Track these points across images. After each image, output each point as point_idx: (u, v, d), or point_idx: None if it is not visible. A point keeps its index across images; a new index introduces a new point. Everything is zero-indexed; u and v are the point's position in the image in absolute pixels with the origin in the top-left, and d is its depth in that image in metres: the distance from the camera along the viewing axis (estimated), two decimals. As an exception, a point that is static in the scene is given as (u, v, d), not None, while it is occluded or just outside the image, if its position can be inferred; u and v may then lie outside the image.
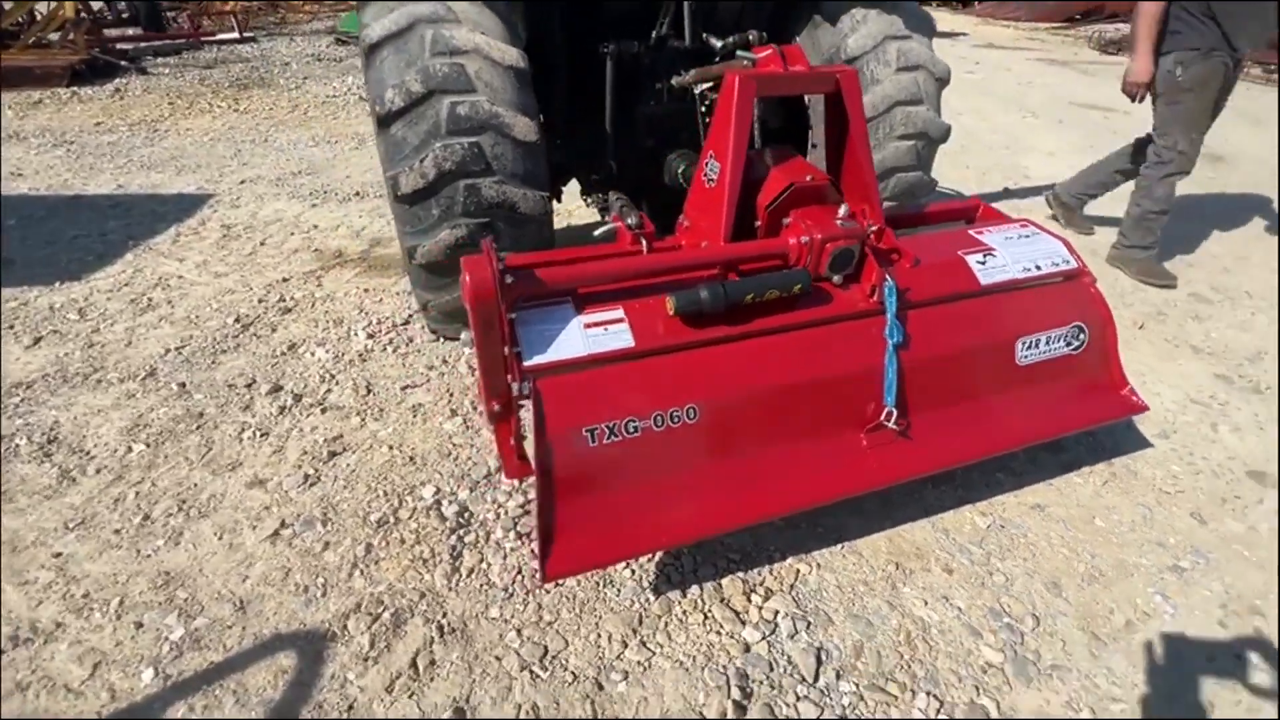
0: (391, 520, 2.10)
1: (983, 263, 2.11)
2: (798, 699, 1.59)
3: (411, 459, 2.37)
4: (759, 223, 2.01)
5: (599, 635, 1.75)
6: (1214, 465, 2.41)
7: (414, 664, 1.67)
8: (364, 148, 5.91)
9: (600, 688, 1.62)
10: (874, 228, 1.97)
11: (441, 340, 3.06)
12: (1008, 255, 2.15)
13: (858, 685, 1.63)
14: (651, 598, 1.85)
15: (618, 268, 1.81)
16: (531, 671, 1.66)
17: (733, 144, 1.89)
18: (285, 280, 3.64)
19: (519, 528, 2.08)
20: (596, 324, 1.72)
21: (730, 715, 1.54)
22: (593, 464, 1.61)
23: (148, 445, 2.40)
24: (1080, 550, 2.02)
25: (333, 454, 2.39)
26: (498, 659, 1.69)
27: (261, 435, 2.48)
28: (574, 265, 1.79)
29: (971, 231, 2.26)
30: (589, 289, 1.80)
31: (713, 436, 1.72)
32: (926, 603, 1.85)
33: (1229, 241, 4.40)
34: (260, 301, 3.41)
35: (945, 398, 1.96)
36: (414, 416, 2.60)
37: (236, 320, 3.22)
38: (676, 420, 1.67)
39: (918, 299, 1.96)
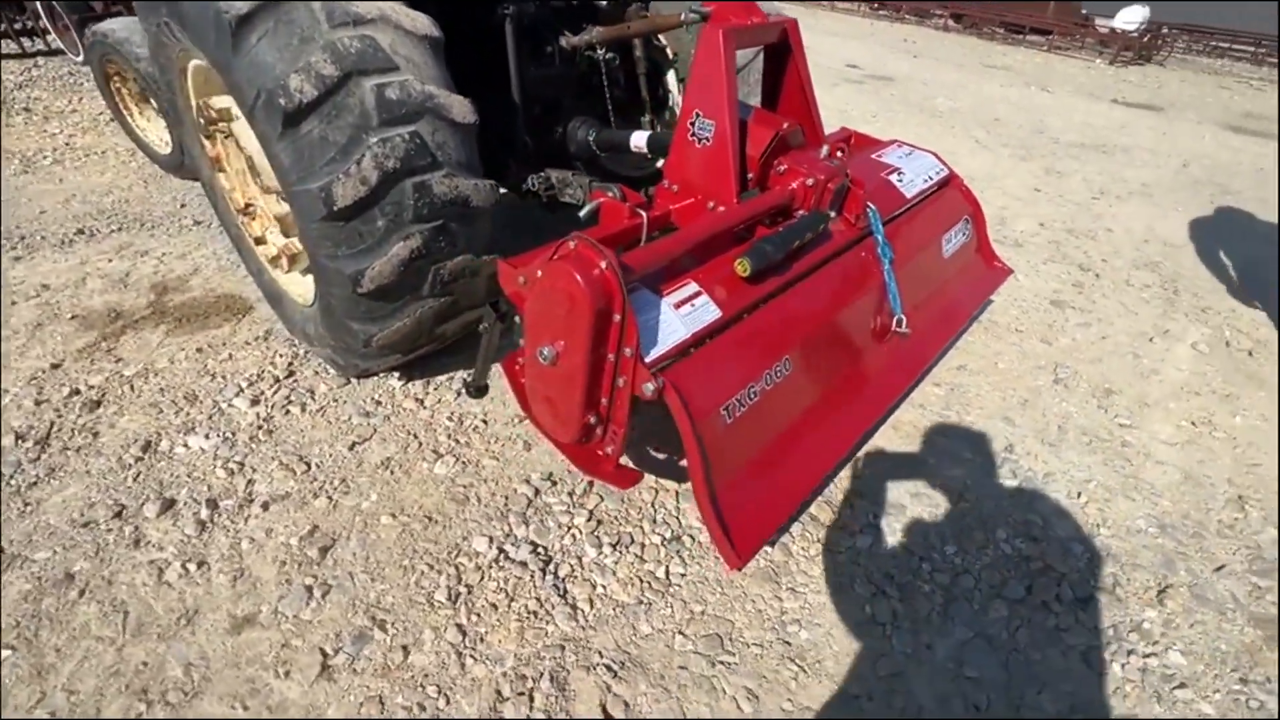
0: (463, 590, 1.78)
1: (900, 180, 2.49)
2: (934, 569, 1.85)
3: (429, 519, 2.00)
4: (751, 174, 2.07)
5: (751, 601, 1.77)
6: (1029, 301, 3.27)
7: (606, 713, 1.51)
8: (35, 170, 4.29)
9: (789, 644, 1.67)
10: (840, 162, 2.18)
11: (355, 381, 2.54)
12: (910, 171, 2.57)
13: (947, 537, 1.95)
14: (770, 550, 1.92)
15: (689, 240, 1.73)
16: (721, 663, 1.62)
17: (727, 99, 1.90)
18: (56, 366, 2.59)
19: (607, 536, 1.93)
20: (682, 302, 1.64)
21: (898, 607, 1.73)
22: (736, 439, 1.58)
23: (16, 648, 1.61)
24: (1003, 388, 2.63)
25: (324, 549, 1.89)
26: (683, 668, 1.61)
27: (197, 565, 1.83)
28: (649, 246, 1.66)
29: (874, 156, 2.63)
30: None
31: (805, 378, 1.81)
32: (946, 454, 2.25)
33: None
34: (38, 404, 2.39)
35: (917, 296, 2.33)
36: (391, 474, 2.16)
37: (19, 439, 2.23)
38: (780, 375, 1.72)
39: (881, 218, 2.25)
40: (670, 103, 3.30)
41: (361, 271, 1.89)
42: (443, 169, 1.92)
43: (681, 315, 1.62)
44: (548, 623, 1.70)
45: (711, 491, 1.51)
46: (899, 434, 2.39)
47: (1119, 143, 6.04)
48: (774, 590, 1.80)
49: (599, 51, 2.60)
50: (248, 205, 2.51)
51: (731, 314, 1.71)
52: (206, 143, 2.44)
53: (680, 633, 1.69)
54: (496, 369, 2.02)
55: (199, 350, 2.70)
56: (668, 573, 1.84)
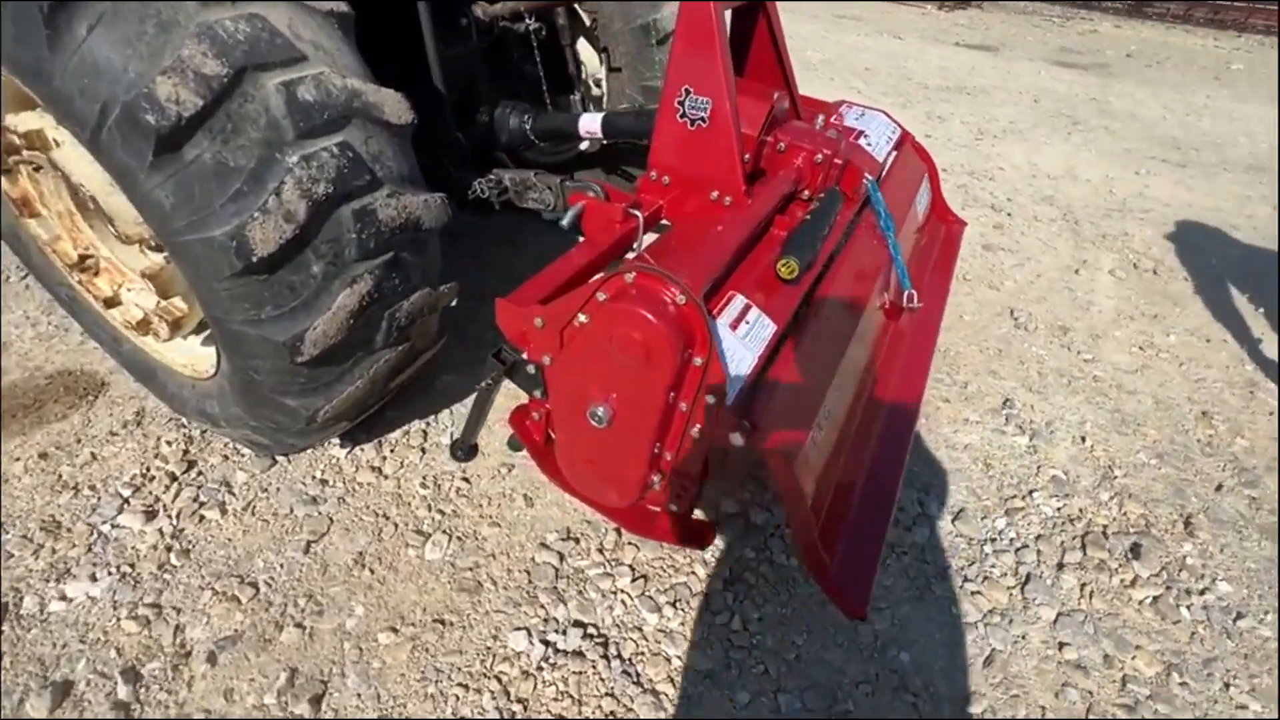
0: (516, 708, 1.44)
1: (869, 145, 2.36)
2: (996, 549, 1.79)
3: (441, 623, 1.61)
4: (747, 155, 1.82)
5: (840, 632, 1.61)
6: (965, 249, 3.35)
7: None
8: None
9: (895, 671, 1.53)
10: (828, 132, 1.99)
11: (284, 459, 2.02)
12: (872, 134, 2.44)
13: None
14: (836, 567, 1.76)
15: (730, 244, 1.45)
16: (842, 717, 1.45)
17: (724, 74, 1.62)
18: None
19: (661, 594, 1.67)
20: (737, 321, 1.38)
21: (980, 600, 1.65)
22: (824, 472, 1.38)
23: None
24: (976, 341, 2.66)
25: (315, 699, 1.45)
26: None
27: (137, 769, 1.33)
28: (695, 258, 1.36)
29: (833, 120, 2.47)
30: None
31: (854, 379, 1.64)
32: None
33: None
34: None
35: (910, 264, 2.23)
36: (371, 573, 1.73)
37: None
38: (838, 384, 1.53)
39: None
40: (584, 76, 2.95)
41: (300, 336, 1.43)
42: (384, 187, 1.48)
43: (740, 338, 1.36)
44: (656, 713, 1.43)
45: (818, 540, 1.30)
46: (906, 408, 2.32)
47: (976, 84, 6.48)
48: (858, 614, 1.64)
49: (528, 21, 2.19)
50: (84, 258, 1.86)
51: (784, 325, 1.48)
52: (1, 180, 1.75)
53: (781, 690, 1.49)
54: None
55: (43, 456, 2.02)
56: (743, 623, 1.62)
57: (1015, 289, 3.10)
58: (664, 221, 1.82)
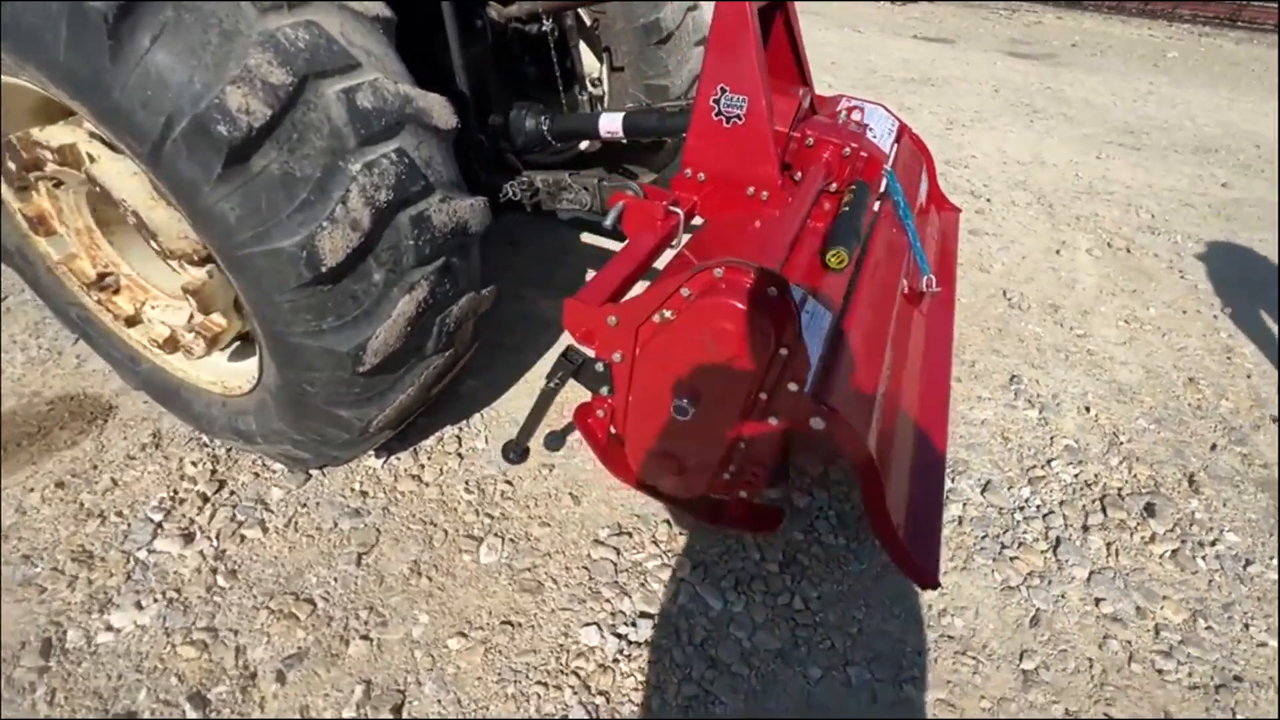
0: (599, 701, 1.47)
1: (875, 138, 2.44)
2: (1026, 517, 1.89)
3: (509, 625, 1.62)
4: (779, 149, 1.87)
5: (896, 604, 1.68)
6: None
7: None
8: None
9: (952, 638, 1.61)
10: (847, 126, 2.06)
11: (318, 474, 1.99)
12: (876, 127, 2.53)
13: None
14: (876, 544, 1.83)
15: (786, 234, 1.50)
16: (906, 681, 1.52)
17: (759, 70, 1.67)
18: None
19: (723, 579, 1.71)
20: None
21: (1019, 565, 1.75)
22: (889, 451, 1.44)
23: None
24: (976, 321, 2.78)
25: (396, 709, 1.44)
26: (874, 700, 1.48)
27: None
28: (761, 250, 1.41)
29: (839, 114, 2.55)
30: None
31: (899, 364, 1.71)
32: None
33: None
34: None
35: (927, 251, 2.33)
36: (429, 581, 1.72)
37: None
38: (890, 366, 1.60)
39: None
40: (579, 74, 2.96)
41: (363, 345, 1.42)
42: (436, 192, 1.48)
43: (805, 327, 1.41)
44: (713, 704, 1.47)
45: (891, 517, 1.36)
46: (922, 388, 2.42)
47: (938, 75, 6.71)
48: (909, 584, 1.72)
49: (546, 22, 2.19)
50: (103, 276, 1.79)
51: (838, 312, 1.54)
52: (12, 197, 1.67)
53: (850, 663, 1.55)
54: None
55: (59, 485, 1.94)
56: (805, 602, 1.68)
57: (1004, 271, 3.25)
58: (696, 219, 1.87)
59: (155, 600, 1.65)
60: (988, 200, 3.97)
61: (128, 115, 1.16)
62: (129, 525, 1.83)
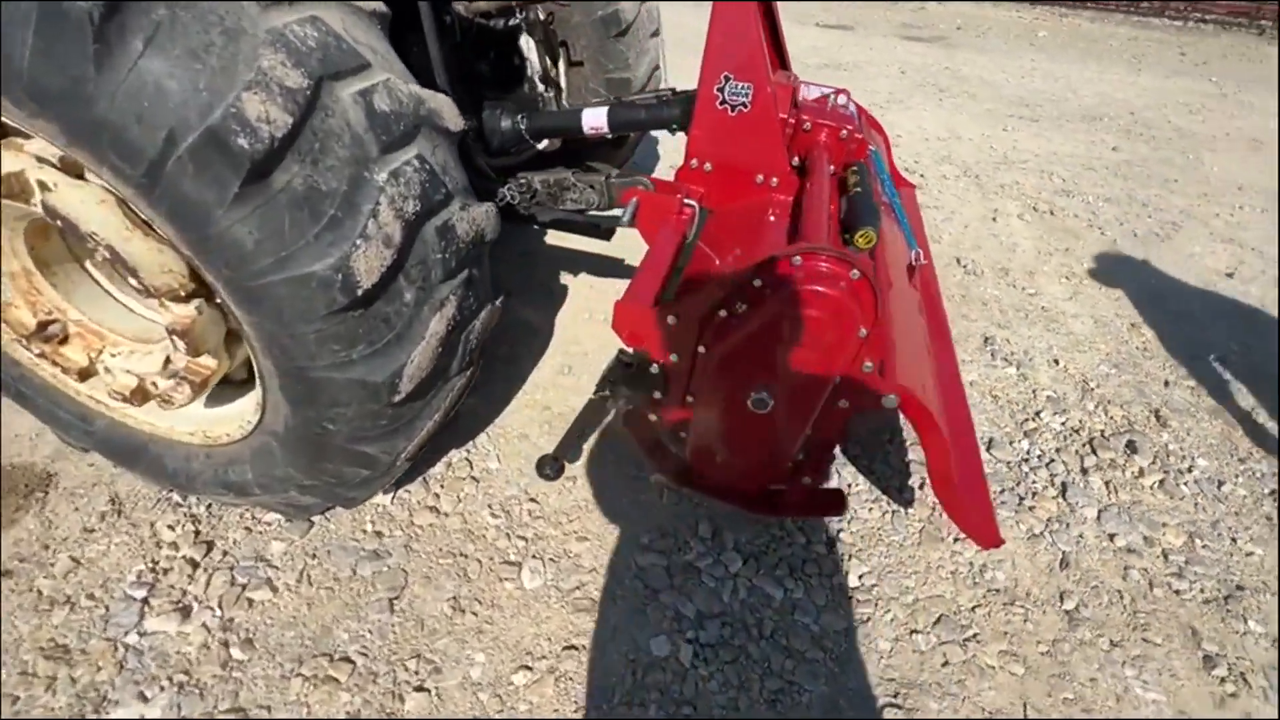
0: (684, 706, 1.42)
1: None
2: (1031, 468, 2.01)
3: (573, 648, 1.54)
4: (777, 135, 1.87)
5: (940, 566, 1.74)
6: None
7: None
8: None
9: (998, 590, 1.69)
10: (830, 108, 2.10)
11: (318, 519, 1.81)
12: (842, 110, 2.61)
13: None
14: (912, 510, 1.89)
15: (820, 215, 1.50)
16: (969, 641, 1.57)
17: (764, 57, 1.66)
18: None
19: (776, 569, 1.70)
20: (844, 293, 1.44)
21: (1039, 513, 1.86)
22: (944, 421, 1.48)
23: None
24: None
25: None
26: (946, 663, 1.53)
27: None
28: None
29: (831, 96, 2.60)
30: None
31: (922, 336, 1.76)
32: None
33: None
34: None
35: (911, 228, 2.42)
36: (475, 617, 1.61)
37: None
38: (919, 338, 1.64)
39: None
40: (530, 73, 2.87)
41: (398, 372, 1.30)
42: (455, 199, 1.38)
43: (855, 306, 1.42)
44: (799, 693, 1.46)
45: (954, 482, 1.40)
46: (910, 358, 2.52)
47: (847, 60, 7.02)
48: (948, 547, 1.79)
49: (519, 16, 2.09)
50: (46, 324, 1.53)
51: (883, 290, 1.56)
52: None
53: (915, 631, 1.59)
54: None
55: (6, 574, 1.66)
56: (858, 579, 1.71)
57: (953, 240, 3.44)
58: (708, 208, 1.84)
59: (162, 688, 1.44)
60: (921, 175, 4.20)
61: (116, 131, 0.99)
62: (107, 608, 1.59)
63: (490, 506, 1.88)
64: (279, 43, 1.04)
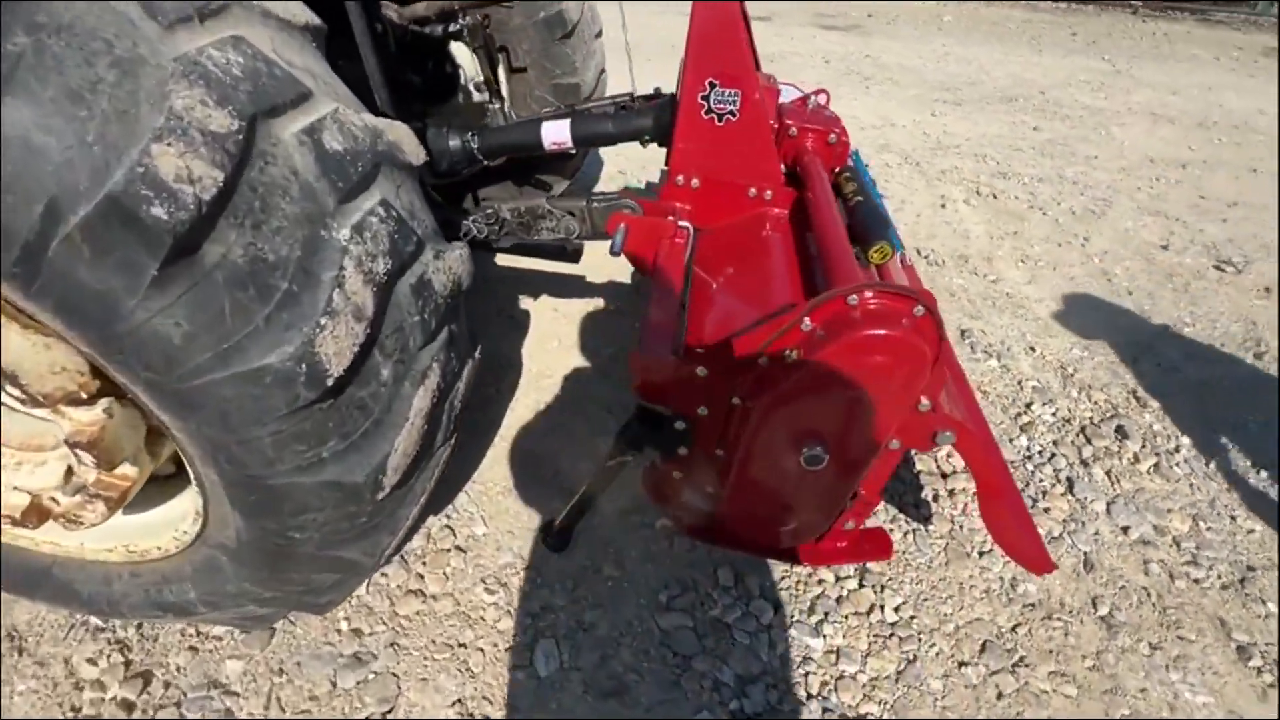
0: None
1: (808, 117, 2.41)
2: (1036, 466, 1.98)
3: (607, 743, 1.35)
4: (763, 142, 1.73)
5: (972, 586, 1.67)
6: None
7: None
8: None
9: (1031, 605, 1.63)
10: (807, 110, 1.98)
11: (283, 624, 1.54)
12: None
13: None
14: (931, 527, 1.82)
15: (839, 237, 1.36)
16: (1018, 668, 1.50)
17: (750, 63, 1.52)
18: None
19: (809, 615, 1.58)
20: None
21: (1056, 513, 1.83)
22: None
23: None
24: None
25: None
26: (1000, 696, 1.44)
27: None
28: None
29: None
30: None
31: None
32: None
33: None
34: None
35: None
36: (488, 720, 1.39)
37: None
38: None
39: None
40: (463, 81, 2.63)
41: (380, 466, 1.07)
42: (428, 248, 1.16)
43: (885, 333, 1.30)
44: (861, 757, 1.34)
45: (1006, 515, 1.31)
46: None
47: (771, 52, 7.03)
48: (975, 563, 1.72)
49: (461, 19, 1.84)
50: (-107, 441, 1.19)
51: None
52: None
53: (963, 664, 1.50)
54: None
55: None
56: (896, 611, 1.61)
57: (909, 230, 3.44)
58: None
59: None
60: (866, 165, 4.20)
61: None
62: (18, 782, 1.27)
63: (484, 580, 1.66)
64: (193, 74, 0.79)
